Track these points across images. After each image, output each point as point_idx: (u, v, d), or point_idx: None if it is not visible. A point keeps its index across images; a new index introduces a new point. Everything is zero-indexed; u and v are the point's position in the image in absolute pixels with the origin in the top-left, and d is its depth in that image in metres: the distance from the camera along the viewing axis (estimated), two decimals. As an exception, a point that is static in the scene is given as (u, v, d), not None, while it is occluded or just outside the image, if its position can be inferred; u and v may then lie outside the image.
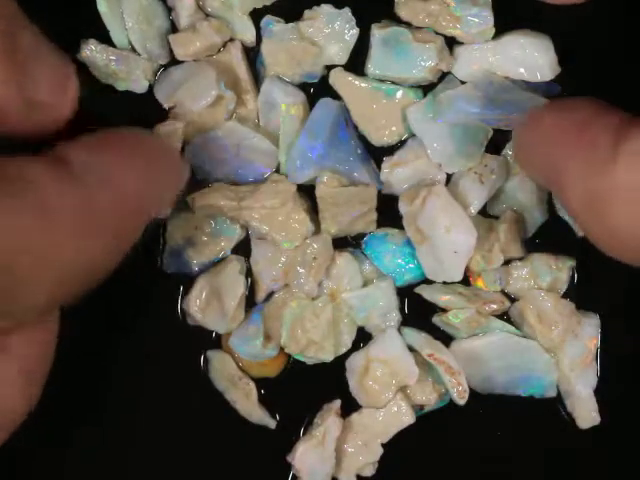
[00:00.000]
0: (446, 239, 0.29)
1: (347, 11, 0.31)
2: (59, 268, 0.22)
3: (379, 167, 0.31)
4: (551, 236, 0.31)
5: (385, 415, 0.31)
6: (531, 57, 0.30)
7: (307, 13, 0.31)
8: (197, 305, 0.31)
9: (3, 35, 0.23)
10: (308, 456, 0.31)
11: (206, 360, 0.32)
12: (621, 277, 0.30)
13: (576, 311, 0.31)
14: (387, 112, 0.31)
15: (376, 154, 0.31)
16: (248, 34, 0.31)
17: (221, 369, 0.32)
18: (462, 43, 0.31)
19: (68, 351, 0.26)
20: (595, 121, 0.24)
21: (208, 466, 0.32)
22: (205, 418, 0.32)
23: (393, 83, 0.31)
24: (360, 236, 0.31)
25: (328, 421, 0.31)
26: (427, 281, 0.31)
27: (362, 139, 0.31)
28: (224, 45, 0.31)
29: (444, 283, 0.31)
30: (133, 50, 0.31)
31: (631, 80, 0.31)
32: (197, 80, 0.30)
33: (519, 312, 0.31)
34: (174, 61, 0.31)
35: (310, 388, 0.32)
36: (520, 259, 0.31)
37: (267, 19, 0.31)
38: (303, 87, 0.31)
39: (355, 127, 0.31)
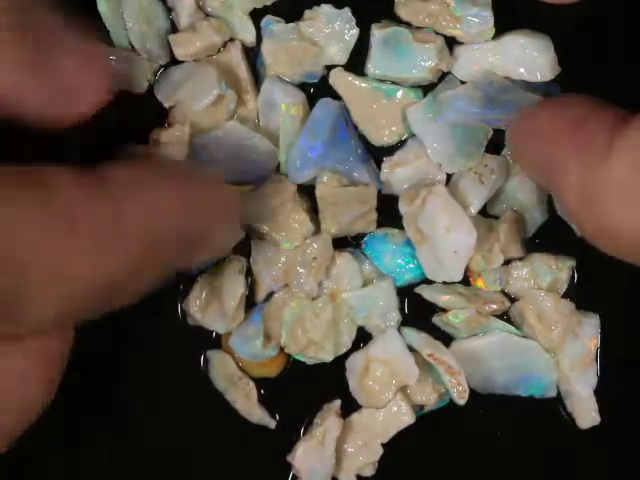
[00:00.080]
0: (446, 239, 0.29)
1: (347, 11, 0.31)
2: (71, 282, 0.21)
3: (379, 167, 0.31)
4: (551, 236, 0.31)
5: (385, 415, 0.31)
6: (531, 57, 0.30)
7: (307, 13, 0.31)
8: (197, 305, 0.31)
9: (14, 11, 0.22)
10: (308, 456, 0.31)
11: (206, 360, 0.32)
12: (621, 277, 0.31)
13: (576, 311, 0.31)
14: (387, 112, 0.31)
15: (376, 154, 0.31)
16: (248, 34, 0.31)
17: (221, 369, 0.32)
18: (462, 43, 0.31)
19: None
20: (590, 117, 0.25)
21: (208, 466, 0.32)
22: (205, 418, 0.32)
23: (393, 83, 0.31)
24: (360, 236, 0.31)
25: (328, 421, 0.31)
26: (427, 281, 0.31)
27: (362, 139, 0.31)
28: (224, 45, 0.31)
29: (444, 283, 0.31)
30: (133, 50, 0.31)
31: (631, 80, 0.31)
32: (197, 80, 0.30)
33: (519, 312, 0.31)
34: (174, 61, 0.31)
35: (310, 388, 0.32)
36: (520, 259, 0.31)
37: (267, 19, 0.31)
38: (303, 87, 0.31)
39: (355, 127, 0.31)
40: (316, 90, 0.31)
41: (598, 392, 0.31)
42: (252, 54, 0.31)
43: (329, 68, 0.31)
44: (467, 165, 0.30)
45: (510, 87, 0.30)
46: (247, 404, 0.32)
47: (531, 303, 0.31)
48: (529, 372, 0.31)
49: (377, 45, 0.31)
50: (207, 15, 0.31)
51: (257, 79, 0.31)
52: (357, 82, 0.31)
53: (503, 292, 0.32)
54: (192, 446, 0.32)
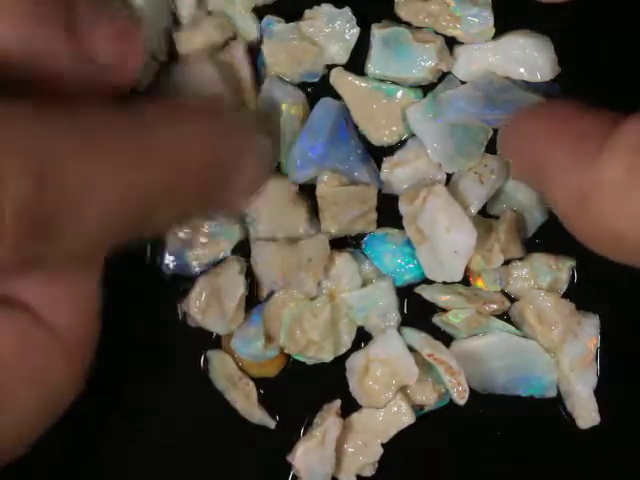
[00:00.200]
0: (446, 239, 0.29)
1: (347, 10, 0.31)
2: (108, 197, 0.22)
3: (379, 167, 0.31)
4: (551, 236, 0.31)
5: (385, 415, 0.31)
6: (531, 57, 0.30)
7: (307, 13, 0.31)
8: (197, 306, 0.31)
9: None
10: (308, 456, 0.31)
11: (206, 360, 0.32)
12: (621, 277, 0.30)
13: (576, 311, 0.31)
14: (387, 112, 0.31)
15: (376, 154, 0.31)
16: (250, 31, 0.31)
17: (221, 369, 0.32)
18: (462, 43, 0.31)
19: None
20: (581, 119, 0.25)
21: (208, 466, 0.32)
22: (205, 418, 0.32)
23: (393, 83, 0.31)
24: (360, 236, 0.31)
25: (328, 421, 0.31)
26: (427, 281, 0.31)
27: (362, 139, 0.31)
28: (226, 43, 0.31)
29: (444, 283, 0.31)
30: None
31: (631, 80, 0.31)
32: (197, 80, 0.30)
33: (519, 312, 0.31)
34: (174, 60, 0.31)
35: (310, 388, 0.32)
36: (520, 259, 0.31)
37: (267, 19, 0.31)
38: (303, 87, 0.31)
39: (355, 127, 0.31)
40: (316, 90, 0.31)
41: (598, 392, 0.31)
42: (253, 54, 0.31)
43: (330, 67, 0.31)
44: (467, 165, 0.30)
45: (510, 87, 0.30)
46: (247, 404, 0.32)
47: (531, 303, 0.31)
48: (529, 372, 0.31)
49: (377, 45, 0.31)
50: (209, 12, 0.31)
51: (257, 79, 0.31)
52: (357, 82, 0.31)
53: (503, 292, 0.32)
54: (192, 446, 0.32)
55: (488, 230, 0.31)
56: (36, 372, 0.25)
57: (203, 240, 0.31)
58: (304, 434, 0.32)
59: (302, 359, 0.31)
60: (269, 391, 0.32)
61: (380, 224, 0.31)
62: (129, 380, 0.32)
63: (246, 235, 0.31)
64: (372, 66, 0.31)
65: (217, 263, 0.31)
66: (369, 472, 0.32)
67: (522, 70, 0.30)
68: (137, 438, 0.32)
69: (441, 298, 0.31)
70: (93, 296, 0.26)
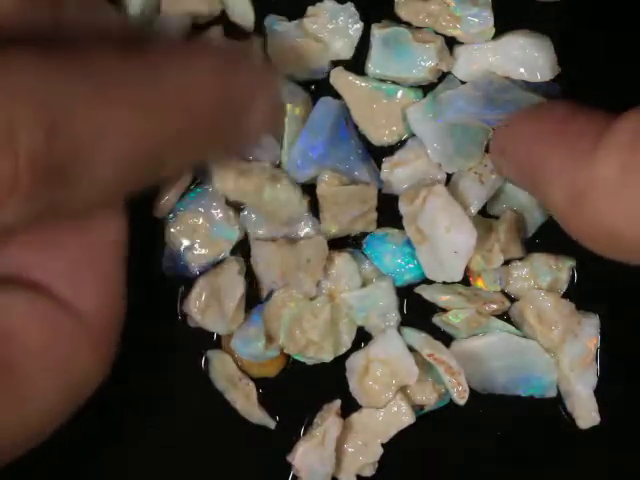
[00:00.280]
0: (446, 239, 0.29)
1: (350, 5, 0.31)
2: (121, 143, 0.22)
3: (379, 167, 0.31)
4: (551, 236, 0.31)
5: (385, 415, 0.31)
6: (531, 57, 0.30)
7: (310, 10, 0.31)
8: (197, 306, 0.31)
9: None
10: (308, 456, 0.31)
11: (206, 360, 0.32)
12: (621, 277, 0.30)
13: (576, 311, 0.31)
14: (387, 112, 0.31)
15: (376, 154, 0.31)
16: (245, 16, 0.31)
17: (221, 369, 0.32)
18: (462, 43, 0.31)
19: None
20: (575, 119, 0.25)
21: (208, 466, 0.32)
22: (205, 418, 0.32)
23: (393, 83, 0.31)
24: (360, 236, 0.31)
25: (328, 421, 0.31)
26: (427, 281, 0.31)
27: (362, 139, 0.31)
28: (210, 23, 0.30)
29: (444, 283, 0.31)
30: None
31: (631, 80, 0.31)
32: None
33: (519, 312, 0.31)
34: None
35: (310, 388, 0.32)
36: (520, 259, 0.31)
37: (270, 18, 0.31)
38: (308, 85, 0.31)
39: (355, 127, 0.31)
40: (316, 90, 0.31)
41: (598, 392, 0.31)
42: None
43: (335, 64, 0.31)
44: (467, 165, 0.30)
45: (510, 87, 0.30)
46: (247, 404, 0.32)
47: (531, 303, 0.31)
48: (529, 372, 0.31)
49: (377, 45, 0.31)
50: None
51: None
52: (357, 82, 0.31)
53: (503, 292, 0.32)
54: (192, 446, 0.32)
55: (488, 230, 0.31)
56: (61, 360, 0.24)
57: (203, 241, 0.31)
58: (304, 434, 0.32)
59: (302, 359, 0.31)
60: (269, 391, 0.32)
61: (380, 224, 0.31)
62: (129, 380, 0.32)
63: (246, 235, 0.31)
64: (372, 66, 0.31)
65: (217, 263, 0.31)
66: (369, 472, 0.32)
67: (522, 70, 0.30)
68: (137, 438, 0.32)
69: (441, 298, 0.31)
70: (117, 278, 0.26)
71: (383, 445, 0.31)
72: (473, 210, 0.30)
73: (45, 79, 0.21)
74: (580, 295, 0.32)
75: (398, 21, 0.31)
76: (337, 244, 0.31)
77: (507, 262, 0.31)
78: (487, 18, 0.30)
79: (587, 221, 0.24)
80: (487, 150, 0.30)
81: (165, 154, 0.24)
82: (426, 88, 0.31)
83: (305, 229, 0.31)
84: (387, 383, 0.31)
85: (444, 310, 0.31)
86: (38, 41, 0.22)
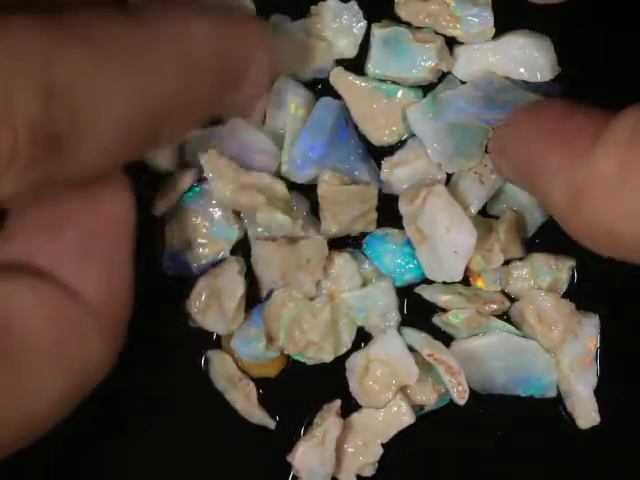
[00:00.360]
0: (446, 239, 0.29)
1: (353, 4, 0.31)
2: (119, 109, 0.22)
3: (379, 167, 0.31)
4: (551, 236, 0.31)
5: (385, 415, 0.31)
6: (531, 57, 0.30)
7: (314, 9, 0.31)
8: (197, 307, 0.31)
9: None
10: (308, 456, 0.31)
11: (206, 360, 0.32)
12: (621, 277, 0.30)
13: (576, 311, 0.31)
14: (387, 112, 0.31)
15: (376, 154, 0.31)
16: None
17: (221, 369, 0.32)
18: (462, 43, 0.31)
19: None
20: (573, 117, 0.25)
21: (208, 466, 0.32)
22: (205, 418, 0.32)
23: (393, 83, 0.31)
24: (360, 236, 0.31)
25: (328, 421, 0.31)
26: (427, 281, 0.31)
27: (362, 139, 0.31)
28: None
29: (444, 283, 0.31)
30: None
31: (631, 80, 0.31)
32: None
33: (519, 312, 0.31)
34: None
35: (310, 388, 0.32)
36: (520, 259, 0.31)
37: (274, 18, 0.31)
38: (313, 84, 0.31)
39: (355, 127, 0.31)
40: (317, 89, 0.31)
41: (598, 392, 0.31)
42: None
43: (339, 63, 0.31)
44: (467, 165, 0.30)
45: (510, 87, 0.30)
46: (247, 404, 0.32)
47: (531, 303, 0.31)
48: (529, 372, 0.31)
49: (377, 45, 0.31)
50: None
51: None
52: (357, 82, 0.31)
53: (503, 292, 0.32)
54: (192, 446, 0.32)
55: (488, 230, 0.31)
56: (67, 350, 0.24)
57: (202, 240, 0.31)
58: (304, 434, 0.32)
59: (302, 359, 0.31)
60: (269, 391, 0.32)
61: (380, 224, 0.31)
62: (129, 380, 0.32)
63: (245, 235, 0.31)
64: (372, 66, 0.31)
65: (217, 263, 0.31)
66: (369, 472, 0.32)
67: (522, 70, 0.30)
68: (137, 438, 0.32)
69: (441, 298, 0.31)
70: (124, 264, 0.25)
71: (383, 445, 0.31)
72: (473, 210, 0.30)
73: (43, 45, 0.21)
74: (580, 295, 0.32)
75: (398, 21, 0.31)
76: (337, 244, 0.31)
77: (507, 262, 0.31)
78: (487, 18, 0.30)
79: (585, 219, 0.24)
80: (487, 150, 0.30)
81: (164, 119, 0.23)
82: (426, 88, 0.31)
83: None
84: (387, 383, 0.31)
85: (444, 310, 0.31)
86: (36, 6, 0.22)
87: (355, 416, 0.31)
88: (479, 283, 0.31)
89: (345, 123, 0.31)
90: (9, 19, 0.21)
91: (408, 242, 0.31)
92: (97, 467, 0.32)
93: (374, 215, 0.31)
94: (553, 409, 0.32)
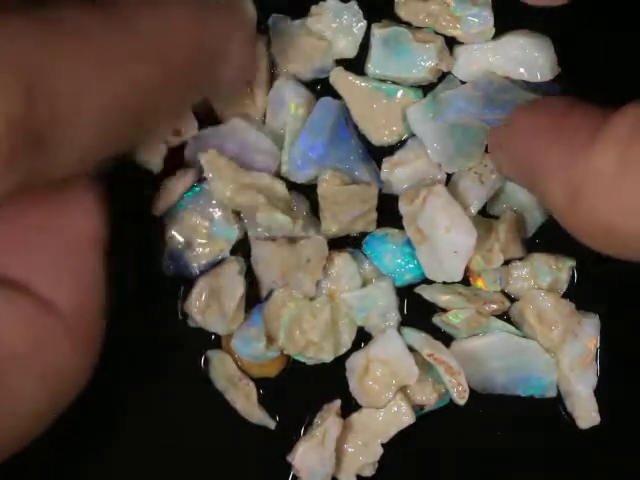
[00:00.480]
0: (446, 239, 0.29)
1: (353, 4, 0.31)
2: (100, 102, 0.22)
3: (379, 167, 0.31)
4: (551, 236, 0.31)
5: (385, 415, 0.31)
6: (531, 57, 0.30)
7: (314, 9, 0.31)
8: (197, 306, 0.31)
9: None
10: (308, 456, 0.31)
11: (206, 360, 0.32)
12: (621, 277, 0.31)
13: (576, 311, 0.31)
14: (387, 112, 0.31)
15: (376, 154, 0.31)
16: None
17: (221, 369, 0.32)
18: (462, 43, 0.31)
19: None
20: (572, 114, 0.25)
21: (208, 466, 0.32)
22: (205, 418, 0.32)
23: (393, 83, 0.31)
24: (360, 236, 0.31)
25: (328, 421, 0.31)
26: (427, 281, 0.31)
27: (362, 139, 0.31)
28: None
29: (444, 283, 0.31)
30: None
31: (631, 80, 0.31)
32: None
33: (519, 312, 0.31)
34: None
35: (310, 388, 0.32)
36: (520, 259, 0.31)
37: (274, 18, 0.31)
38: (314, 84, 0.31)
39: (355, 127, 0.31)
40: (317, 89, 0.31)
41: (598, 392, 0.31)
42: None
43: (339, 62, 0.31)
44: (467, 165, 0.30)
45: (510, 87, 0.30)
46: (247, 404, 0.32)
47: (531, 303, 0.31)
48: (529, 372, 0.31)
49: (377, 45, 0.31)
50: None
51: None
52: (357, 82, 0.31)
53: (503, 292, 0.32)
54: (192, 446, 0.32)
55: (488, 230, 0.31)
56: (44, 363, 0.24)
57: (202, 240, 0.31)
58: (304, 434, 0.32)
59: (302, 359, 0.31)
60: (269, 391, 0.32)
61: (380, 224, 0.31)
62: (129, 380, 0.32)
63: (245, 234, 0.31)
64: (372, 66, 0.31)
65: (217, 263, 0.31)
66: (369, 472, 0.32)
67: (522, 70, 0.30)
68: (137, 438, 0.32)
69: (441, 298, 0.31)
70: (97, 276, 0.25)
71: (383, 445, 0.31)
72: (473, 210, 0.30)
73: (23, 42, 0.21)
74: (580, 295, 0.32)
75: (398, 21, 0.31)
76: (337, 244, 0.31)
77: (507, 262, 0.31)
78: (487, 18, 0.30)
79: (584, 216, 0.24)
80: (487, 150, 0.30)
81: (144, 109, 0.23)
82: (426, 88, 0.31)
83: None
84: (387, 383, 0.31)
85: (444, 310, 0.31)
86: (13, 2, 0.22)
87: (355, 416, 0.31)
88: (479, 283, 0.31)
89: (345, 123, 0.31)
90: None
91: (408, 242, 0.31)
92: (97, 467, 0.32)
93: (374, 215, 0.31)
94: (553, 409, 0.32)
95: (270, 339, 0.31)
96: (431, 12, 0.30)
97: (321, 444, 0.31)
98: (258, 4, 0.30)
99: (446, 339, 0.31)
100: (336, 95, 0.31)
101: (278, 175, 0.31)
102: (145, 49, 0.23)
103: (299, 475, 0.31)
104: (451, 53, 0.31)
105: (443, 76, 0.31)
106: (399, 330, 0.31)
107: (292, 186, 0.30)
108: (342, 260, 0.31)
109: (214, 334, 0.32)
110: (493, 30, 0.30)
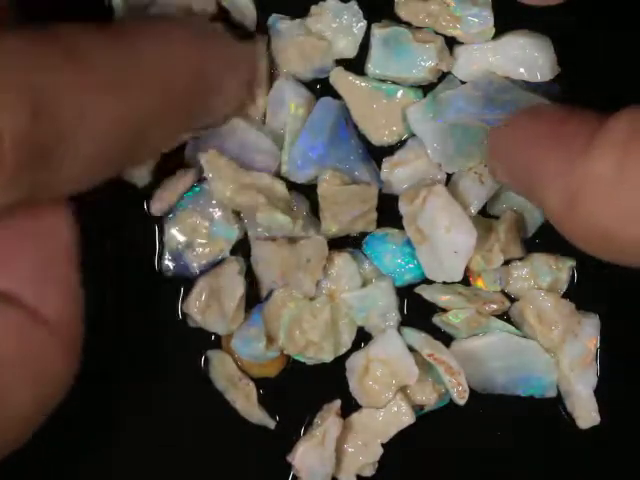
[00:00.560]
0: (446, 239, 0.29)
1: (353, 4, 0.31)
2: (102, 123, 0.22)
3: (379, 167, 0.31)
4: (551, 236, 0.31)
5: (385, 415, 0.31)
6: (531, 57, 0.30)
7: (314, 9, 0.31)
8: (197, 306, 0.31)
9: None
10: (308, 456, 0.31)
11: (206, 360, 0.32)
12: (621, 277, 0.30)
13: (576, 311, 0.31)
14: (387, 112, 0.31)
15: (376, 154, 0.31)
16: (247, 15, 0.31)
17: (221, 369, 0.32)
18: (462, 43, 0.31)
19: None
20: (568, 120, 0.25)
21: (208, 466, 0.32)
22: (205, 418, 0.32)
23: (393, 83, 0.31)
24: (360, 236, 0.31)
25: (328, 421, 0.31)
26: (427, 281, 0.31)
27: (362, 139, 0.31)
28: (214, 17, 0.30)
29: (444, 283, 0.31)
30: None
31: (631, 80, 0.31)
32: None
33: (519, 312, 0.31)
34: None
35: (310, 388, 0.32)
36: (520, 259, 0.31)
37: (274, 18, 0.31)
38: (314, 84, 0.31)
39: (355, 127, 0.31)
40: (317, 89, 0.31)
41: (598, 392, 0.31)
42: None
43: (339, 62, 0.31)
44: (467, 165, 0.30)
45: (510, 87, 0.30)
46: (247, 404, 0.32)
47: (531, 303, 0.31)
48: (529, 372, 0.31)
49: (377, 45, 0.31)
50: None
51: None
52: (357, 82, 0.31)
53: (503, 292, 0.32)
54: (192, 446, 0.32)
55: (488, 230, 0.31)
56: (34, 370, 0.24)
57: (202, 240, 0.31)
58: (304, 434, 0.32)
59: (302, 359, 0.31)
60: (269, 391, 0.32)
61: (380, 224, 0.31)
62: (129, 380, 0.32)
63: (245, 234, 0.31)
64: (372, 66, 0.31)
65: (217, 263, 0.31)
66: (369, 472, 0.32)
67: (522, 70, 0.30)
68: (137, 438, 0.32)
69: (441, 298, 0.31)
70: (74, 282, 0.26)
71: (383, 445, 0.31)
72: (473, 210, 0.30)
73: (29, 60, 0.21)
74: (580, 295, 0.32)
75: (398, 21, 0.31)
76: (337, 244, 0.31)
77: (507, 262, 0.31)
78: (487, 18, 0.30)
79: (581, 221, 0.24)
80: (487, 152, 0.30)
81: (145, 131, 0.24)
82: (426, 88, 0.31)
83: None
84: (387, 383, 0.31)
85: (444, 310, 0.31)
86: (20, 23, 0.22)
87: (355, 416, 0.31)
88: (479, 283, 0.31)
89: (345, 123, 0.31)
90: None
91: (408, 242, 0.31)
92: (97, 467, 0.32)
93: (374, 215, 0.31)
94: (553, 409, 0.32)
95: (270, 339, 0.31)
96: (431, 12, 0.30)
97: (321, 444, 0.31)
98: (258, 4, 0.31)
99: (446, 339, 0.31)
100: (336, 95, 0.31)
101: (278, 175, 0.31)
102: (148, 78, 0.24)
103: (299, 475, 0.31)
104: (451, 53, 0.31)
105: (443, 76, 0.31)
106: (399, 330, 0.31)
107: (292, 186, 0.30)
108: (342, 260, 0.31)
109: (214, 334, 0.32)
110: (493, 30, 0.30)
